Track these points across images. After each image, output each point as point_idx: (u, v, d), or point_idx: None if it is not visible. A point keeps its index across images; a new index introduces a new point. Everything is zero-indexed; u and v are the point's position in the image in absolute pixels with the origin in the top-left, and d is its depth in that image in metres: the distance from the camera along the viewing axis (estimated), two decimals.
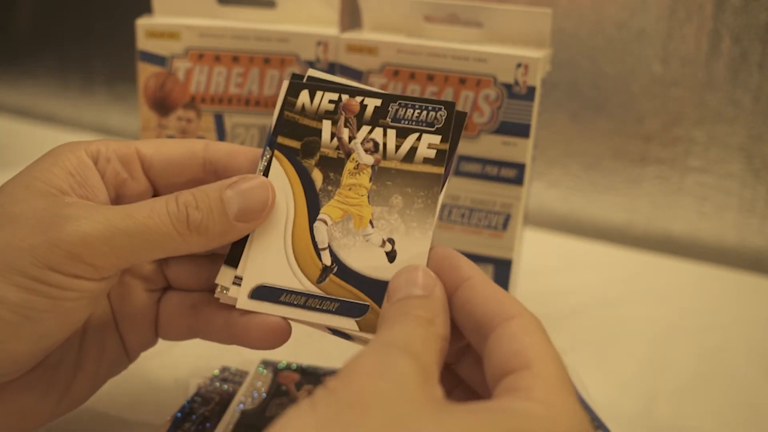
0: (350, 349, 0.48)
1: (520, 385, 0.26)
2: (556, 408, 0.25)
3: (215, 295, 0.34)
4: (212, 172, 0.35)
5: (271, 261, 0.33)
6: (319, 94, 0.35)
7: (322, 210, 0.34)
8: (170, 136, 0.50)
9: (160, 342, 0.38)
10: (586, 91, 0.68)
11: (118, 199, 0.34)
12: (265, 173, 0.34)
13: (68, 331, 0.31)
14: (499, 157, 0.46)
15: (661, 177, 0.68)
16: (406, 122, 0.35)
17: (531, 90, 0.44)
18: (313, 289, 0.33)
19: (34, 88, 0.95)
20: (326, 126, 0.35)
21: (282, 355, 0.45)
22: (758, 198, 0.65)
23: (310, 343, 0.49)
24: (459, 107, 0.46)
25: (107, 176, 0.34)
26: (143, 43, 0.49)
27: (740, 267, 0.65)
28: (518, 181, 0.46)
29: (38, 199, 0.30)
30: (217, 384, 0.42)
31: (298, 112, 0.35)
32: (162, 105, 0.50)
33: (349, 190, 0.34)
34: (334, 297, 0.33)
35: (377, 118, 0.35)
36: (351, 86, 0.35)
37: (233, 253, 0.34)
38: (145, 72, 0.49)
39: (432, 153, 0.34)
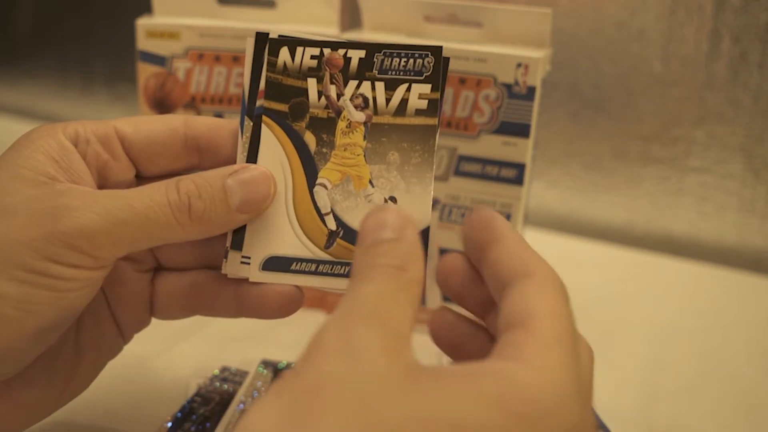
0: None
1: (511, 342, 0.25)
2: (543, 370, 0.24)
3: (223, 272, 0.34)
4: (194, 148, 0.34)
5: (276, 231, 0.33)
6: (299, 50, 0.34)
7: (320, 174, 0.33)
8: None
9: (161, 342, 0.38)
10: (586, 91, 0.68)
11: (101, 180, 0.33)
12: (253, 143, 0.34)
13: (68, 323, 0.31)
14: (499, 157, 0.46)
15: (661, 177, 0.68)
16: (394, 72, 0.34)
17: (531, 90, 0.44)
18: (323, 255, 0.33)
19: (34, 88, 0.95)
20: (312, 84, 0.34)
21: (282, 355, 0.45)
22: (758, 198, 0.65)
23: None
24: (459, 107, 0.46)
25: (89, 158, 0.33)
26: (143, 43, 0.48)
27: (740, 267, 0.65)
28: (518, 181, 0.46)
29: (29, 189, 0.30)
30: (217, 384, 0.42)
31: (281, 71, 0.34)
32: (162, 105, 0.50)
33: (345, 150, 0.34)
34: (343, 261, 0.33)
35: (363, 71, 0.34)
36: (331, 39, 0.34)
37: (236, 237, 0.33)
38: (145, 72, 0.49)
39: (424, 104, 0.33)
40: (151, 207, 0.30)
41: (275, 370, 0.43)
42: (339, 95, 0.34)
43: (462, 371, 0.24)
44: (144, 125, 0.34)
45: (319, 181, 0.33)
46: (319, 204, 0.33)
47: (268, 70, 0.34)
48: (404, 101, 0.33)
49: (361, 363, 0.23)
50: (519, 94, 0.45)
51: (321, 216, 0.33)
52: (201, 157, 0.34)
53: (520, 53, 0.44)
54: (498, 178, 0.46)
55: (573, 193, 0.71)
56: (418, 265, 0.28)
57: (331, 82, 0.34)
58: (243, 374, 0.43)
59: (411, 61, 0.33)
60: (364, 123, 0.34)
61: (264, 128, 0.34)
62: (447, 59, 0.34)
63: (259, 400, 0.23)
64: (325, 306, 0.52)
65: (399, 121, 0.33)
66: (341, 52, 0.34)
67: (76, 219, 0.29)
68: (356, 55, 0.34)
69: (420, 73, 0.33)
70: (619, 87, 0.67)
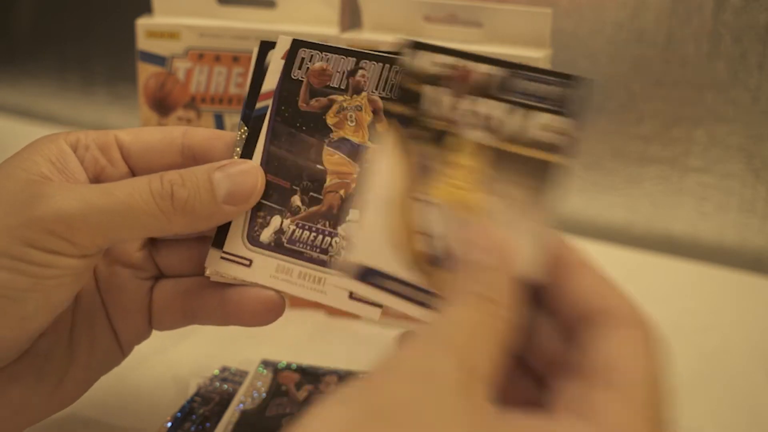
0: (344, 351, 0.48)
1: (589, 399, 0.24)
2: None
3: (206, 274, 0.33)
4: (191, 158, 0.34)
5: (373, 240, 0.31)
6: (437, 57, 0.32)
7: (427, 190, 0.31)
8: None
9: (160, 342, 0.38)
10: None
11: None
12: (249, 142, 0.33)
13: (52, 313, 0.31)
14: None
15: (661, 177, 0.68)
16: (533, 99, 0.30)
17: None
18: (403, 275, 0.31)
19: (34, 88, 0.95)
20: (440, 94, 0.32)
21: (282, 355, 0.45)
22: (758, 198, 0.65)
23: (310, 343, 0.49)
24: None
25: (86, 163, 0.33)
26: (143, 43, 0.49)
27: (740, 267, 0.65)
28: None
29: (16, 184, 0.30)
30: (217, 384, 0.42)
31: (415, 76, 0.32)
32: (162, 105, 0.50)
33: (455, 169, 0.31)
34: (421, 286, 0.30)
35: (496, 90, 0.31)
36: (472, 52, 0.32)
37: (219, 235, 0.33)
38: (145, 72, 0.49)
39: (558, 139, 0.29)
40: (131, 194, 0.30)
41: (275, 370, 0.43)
42: (465, 111, 0.31)
43: (533, 424, 0.23)
44: (143, 134, 0.34)
45: (423, 197, 0.31)
46: (416, 220, 0.31)
47: (401, 73, 0.32)
48: (536, 132, 0.30)
49: (432, 393, 0.23)
50: None
51: (414, 234, 0.31)
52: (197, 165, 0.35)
53: (520, 53, 0.44)
54: None
55: (573, 193, 0.71)
56: (509, 300, 0.26)
57: (456, 96, 0.31)
58: (243, 374, 0.43)
59: (544, 87, 0.30)
60: (482, 144, 0.31)
61: (384, 131, 0.32)
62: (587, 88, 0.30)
63: (323, 406, 0.22)
64: (324, 306, 0.52)
65: (526, 152, 0.30)
66: (479, 67, 0.31)
67: (53, 204, 0.29)
68: (493, 71, 0.31)
69: (561, 104, 0.30)
70: (619, 87, 0.67)
